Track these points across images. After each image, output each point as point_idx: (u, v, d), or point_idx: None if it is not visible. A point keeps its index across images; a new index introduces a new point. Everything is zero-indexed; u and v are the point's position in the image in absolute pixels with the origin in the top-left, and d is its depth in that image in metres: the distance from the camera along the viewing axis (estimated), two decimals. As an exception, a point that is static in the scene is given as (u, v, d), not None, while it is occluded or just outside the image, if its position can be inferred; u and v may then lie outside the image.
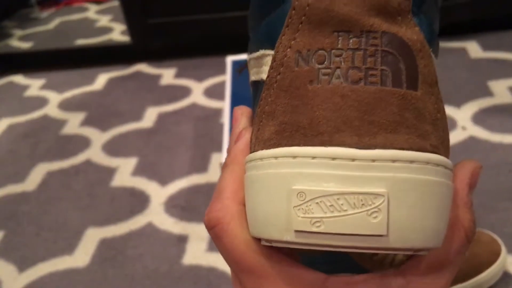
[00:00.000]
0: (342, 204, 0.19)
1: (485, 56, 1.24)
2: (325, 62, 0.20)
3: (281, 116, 0.21)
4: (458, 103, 1.07)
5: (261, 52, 0.23)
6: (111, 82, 1.41)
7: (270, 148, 0.22)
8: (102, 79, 1.44)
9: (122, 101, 1.30)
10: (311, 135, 0.20)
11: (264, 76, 0.23)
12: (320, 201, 0.20)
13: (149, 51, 1.52)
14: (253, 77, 0.25)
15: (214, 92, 1.27)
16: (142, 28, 1.43)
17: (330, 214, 0.20)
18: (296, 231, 0.20)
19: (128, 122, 1.19)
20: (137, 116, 1.21)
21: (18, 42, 1.78)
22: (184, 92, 1.30)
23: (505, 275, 0.68)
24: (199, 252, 0.79)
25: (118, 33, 1.74)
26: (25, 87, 1.46)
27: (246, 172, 0.23)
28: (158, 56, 1.52)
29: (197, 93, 1.28)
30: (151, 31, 1.44)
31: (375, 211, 0.19)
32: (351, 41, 0.20)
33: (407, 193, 0.20)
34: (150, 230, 0.85)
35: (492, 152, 0.91)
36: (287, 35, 0.21)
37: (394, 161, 0.20)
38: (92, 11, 2.03)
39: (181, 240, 0.82)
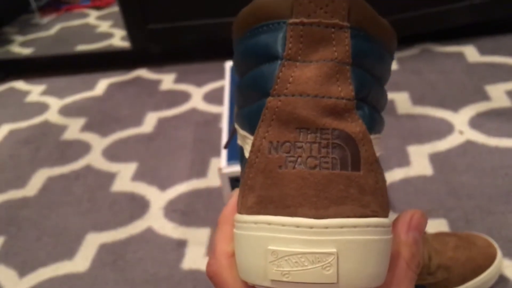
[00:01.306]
0: (304, 261, 0.26)
1: (482, 61, 1.25)
2: (290, 152, 0.27)
3: (259, 191, 0.28)
4: (455, 107, 1.07)
5: (244, 133, 0.30)
6: (111, 88, 1.42)
7: (251, 214, 0.28)
8: (102, 85, 1.45)
9: (122, 107, 1.30)
10: (281, 207, 0.27)
11: (247, 154, 0.29)
12: (288, 259, 0.26)
13: (149, 57, 1.53)
14: (239, 142, 0.32)
15: (214, 97, 1.28)
16: (142, 34, 1.44)
17: (295, 268, 0.26)
18: (272, 280, 0.27)
19: (128, 127, 1.20)
20: (137, 121, 1.22)
21: (19, 48, 1.79)
22: (184, 97, 1.30)
23: (501, 278, 0.69)
24: (198, 256, 0.80)
25: (118, 39, 1.75)
26: (26, 93, 1.46)
27: (234, 228, 0.30)
28: (158, 62, 1.52)
29: (197, 98, 1.29)
30: (150, 36, 1.44)
31: (328, 266, 0.26)
32: (309, 136, 0.27)
33: (351, 251, 0.26)
34: (149, 234, 0.86)
35: (489, 155, 0.91)
36: (262, 128, 0.28)
37: (341, 227, 0.26)
38: (92, 17, 2.04)
39: (181, 244, 0.83)
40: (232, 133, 0.40)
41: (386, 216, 0.28)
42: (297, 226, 0.26)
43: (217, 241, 0.33)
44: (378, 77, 0.30)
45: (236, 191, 0.33)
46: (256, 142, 0.28)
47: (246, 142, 0.30)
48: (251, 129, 0.29)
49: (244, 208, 0.29)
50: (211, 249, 0.33)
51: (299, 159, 0.27)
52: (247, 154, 0.29)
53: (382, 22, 0.29)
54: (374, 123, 0.28)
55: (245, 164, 0.30)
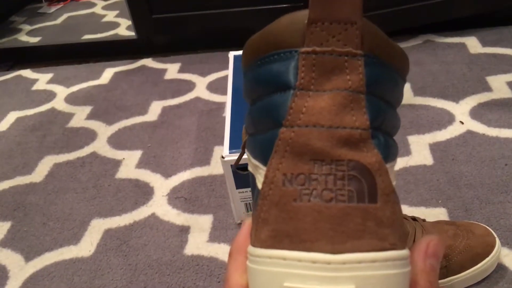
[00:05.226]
0: None
1: (484, 52, 1.25)
2: (305, 184, 0.26)
3: (273, 224, 0.27)
4: (457, 98, 1.07)
5: (256, 163, 0.29)
6: (117, 77, 1.43)
7: (265, 248, 0.27)
8: (108, 74, 1.45)
9: (127, 95, 1.31)
10: (296, 242, 0.26)
11: (259, 184, 0.28)
12: None
13: (154, 46, 1.54)
14: (250, 169, 0.31)
15: (217, 87, 1.28)
16: (147, 24, 1.44)
17: None
18: None
19: (133, 116, 1.21)
20: (142, 109, 1.23)
21: (27, 37, 1.80)
22: (188, 86, 1.31)
23: (500, 266, 0.69)
24: (200, 242, 0.81)
25: (124, 29, 1.76)
26: (33, 81, 1.47)
27: (248, 261, 0.29)
28: (162, 51, 1.53)
29: (201, 87, 1.29)
30: (156, 26, 1.45)
31: None
32: (324, 168, 0.26)
33: (371, 287, 0.25)
34: (153, 221, 0.86)
35: (489, 146, 0.92)
36: (275, 159, 0.27)
37: (360, 262, 0.25)
38: (98, 6, 2.04)
39: (183, 230, 0.83)
40: (241, 154, 0.39)
41: (404, 247, 0.27)
42: (314, 262, 0.25)
43: (230, 271, 0.31)
44: (392, 103, 0.29)
45: (248, 219, 0.32)
46: (269, 174, 0.27)
47: (258, 172, 0.29)
48: (264, 160, 0.28)
49: (258, 241, 0.28)
50: (224, 281, 0.32)
51: (314, 192, 0.26)
52: (259, 185, 0.28)
53: (395, 47, 0.28)
54: (389, 151, 0.28)
55: (257, 195, 0.29)
